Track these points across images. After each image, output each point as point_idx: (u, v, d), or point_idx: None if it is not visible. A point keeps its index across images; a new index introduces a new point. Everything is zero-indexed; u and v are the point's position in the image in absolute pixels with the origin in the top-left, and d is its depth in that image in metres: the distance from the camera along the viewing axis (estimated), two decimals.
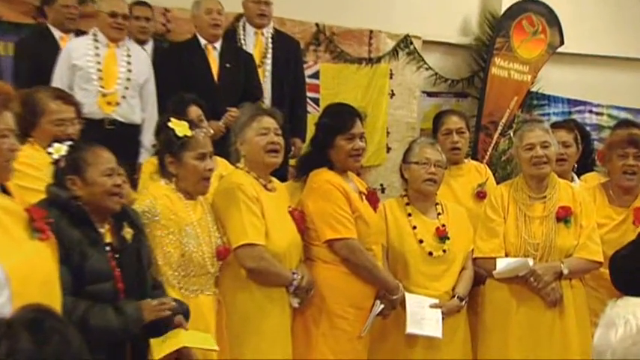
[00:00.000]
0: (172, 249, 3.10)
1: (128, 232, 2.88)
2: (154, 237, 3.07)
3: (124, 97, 4.47)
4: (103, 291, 2.72)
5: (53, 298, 2.30)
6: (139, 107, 4.55)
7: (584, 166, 4.53)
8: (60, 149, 2.87)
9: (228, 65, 4.73)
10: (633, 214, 3.96)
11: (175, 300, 2.92)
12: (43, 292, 2.24)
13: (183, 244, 3.13)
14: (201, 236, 3.19)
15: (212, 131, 3.91)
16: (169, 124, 3.22)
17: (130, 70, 4.50)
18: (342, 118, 3.60)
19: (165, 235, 3.11)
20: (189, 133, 3.20)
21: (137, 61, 4.55)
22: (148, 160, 4.03)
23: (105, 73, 4.44)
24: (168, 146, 3.20)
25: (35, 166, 3.13)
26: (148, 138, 4.49)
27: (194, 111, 4.00)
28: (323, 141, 3.60)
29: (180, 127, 3.21)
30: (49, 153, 2.89)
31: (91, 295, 2.69)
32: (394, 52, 6.35)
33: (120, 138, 4.16)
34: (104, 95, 4.42)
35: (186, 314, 2.94)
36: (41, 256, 2.31)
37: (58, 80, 4.37)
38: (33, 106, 3.39)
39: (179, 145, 3.18)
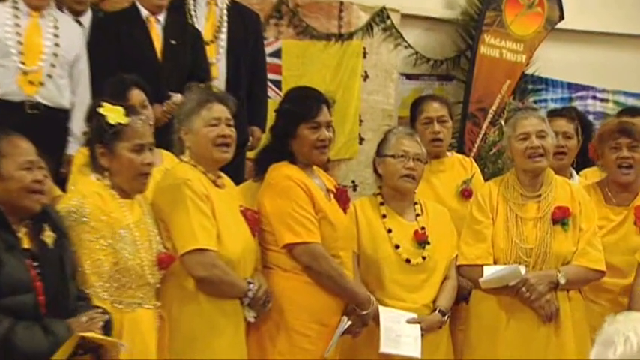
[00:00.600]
0: (103, 256, 3.08)
1: (49, 236, 2.87)
2: (81, 242, 3.06)
3: (49, 75, 4.38)
4: (22, 304, 2.72)
5: None
6: (68, 89, 4.47)
7: (584, 161, 4.57)
8: None
9: (173, 42, 4.70)
10: (634, 214, 4.01)
11: (96, 307, 2.93)
12: None
13: (117, 250, 3.10)
14: (139, 241, 3.17)
15: (152, 119, 3.88)
16: (100, 110, 3.20)
17: (57, 45, 4.41)
18: (305, 104, 3.62)
19: (95, 240, 3.08)
20: (123, 120, 3.19)
21: (67, 34, 4.47)
22: (79, 151, 3.99)
23: (26, 46, 4.35)
24: (100, 135, 3.19)
25: None
26: (78, 125, 4.40)
27: (136, 95, 3.98)
28: (284, 130, 3.62)
29: (113, 113, 3.19)
30: None
31: (9, 309, 2.69)
32: (368, 28, 6.35)
33: (44, 125, 4.10)
34: (25, 73, 4.32)
35: (107, 324, 2.92)
36: None
37: None
38: None
39: (112, 135, 3.17)
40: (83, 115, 4.27)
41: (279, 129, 3.66)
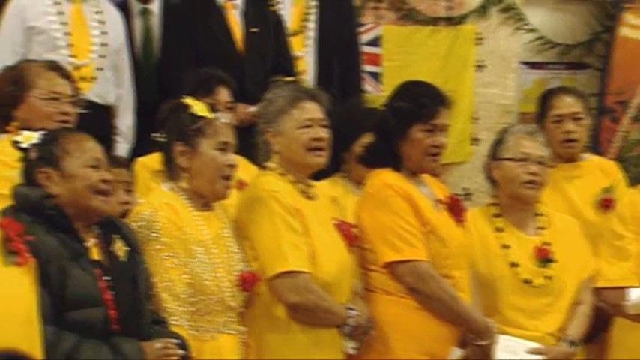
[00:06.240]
0: (176, 276, 3.20)
1: (121, 249, 3.02)
2: (153, 260, 3.19)
3: (100, 69, 4.57)
4: (90, 319, 2.86)
5: (32, 342, 2.50)
6: (113, 83, 4.67)
7: None
8: (30, 137, 3.06)
9: (254, 30, 4.85)
10: None
11: (175, 335, 3.05)
12: (22, 336, 2.44)
13: (192, 269, 3.23)
14: (216, 259, 3.30)
15: (235, 122, 4.02)
16: (184, 102, 3.36)
17: (104, 33, 4.60)
18: (422, 103, 3.66)
19: (168, 258, 3.20)
20: (209, 114, 3.35)
21: (111, 21, 4.67)
22: (138, 162, 4.16)
23: (74, 37, 4.52)
24: (181, 131, 3.33)
25: (10, 164, 3.30)
26: (126, 122, 4.66)
27: (223, 94, 4.17)
28: (394, 130, 3.67)
29: (198, 106, 3.36)
30: (16, 142, 3.11)
31: (76, 324, 2.82)
32: (483, 9, 6.40)
33: (92, 125, 4.09)
34: (77, 68, 4.46)
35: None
36: (20, 287, 2.51)
37: (7, 47, 4.45)
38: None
39: (195, 130, 3.31)
40: (130, 109, 4.54)
41: (387, 128, 3.70)
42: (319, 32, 5.13)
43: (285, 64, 4.92)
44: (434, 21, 6.30)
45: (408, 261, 3.55)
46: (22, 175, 3.04)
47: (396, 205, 3.58)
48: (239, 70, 4.64)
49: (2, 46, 4.46)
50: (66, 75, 3.83)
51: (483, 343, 3.66)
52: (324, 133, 3.55)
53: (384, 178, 3.66)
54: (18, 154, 3.11)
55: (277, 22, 4.99)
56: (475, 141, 6.36)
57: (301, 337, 3.40)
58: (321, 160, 3.56)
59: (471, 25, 6.37)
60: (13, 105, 3.68)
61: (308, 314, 3.40)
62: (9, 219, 2.58)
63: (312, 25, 5.15)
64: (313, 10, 5.16)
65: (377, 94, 5.87)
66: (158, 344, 2.94)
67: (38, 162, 2.99)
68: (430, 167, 3.74)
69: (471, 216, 3.94)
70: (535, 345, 3.77)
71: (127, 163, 4.01)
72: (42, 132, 3.11)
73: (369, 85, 5.79)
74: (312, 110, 3.55)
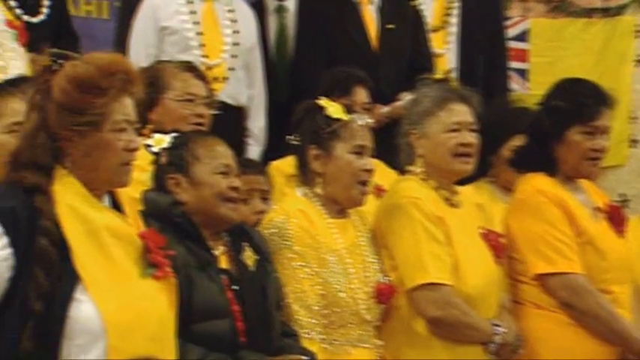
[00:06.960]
0: (308, 286, 3.19)
1: (250, 257, 3.02)
2: (284, 269, 3.18)
3: (232, 69, 4.60)
4: (217, 331, 2.87)
5: (162, 354, 2.44)
6: (245, 83, 4.69)
7: None
8: (161, 141, 3.08)
9: (390, 26, 4.81)
10: None
11: (305, 352, 3.02)
12: (149, 349, 2.40)
13: (325, 279, 3.20)
14: (351, 269, 3.27)
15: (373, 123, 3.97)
16: (319, 103, 3.34)
17: (236, 32, 4.62)
18: (582, 103, 3.59)
19: (300, 268, 3.19)
20: (345, 116, 3.31)
21: (243, 19, 4.70)
22: (272, 166, 4.14)
23: (206, 37, 4.57)
24: (315, 134, 3.31)
25: (144, 167, 3.26)
26: (257, 124, 4.67)
27: (361, 94, 4.14)
28: (550, 131, 3.60)
29: (333, 108, 3.32)
30: (148, 145, 3.10)
31: (202, 337, 2.83)
32: None
33: (223, 126, 4.09)
34: (209, 68, 4.50)
35: None
36: (153, 301, 2.47)
37: (141, 48, 4.50)
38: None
39: (329, 133, 3.29)
40: (262, 111, 4.60)
41: (542, 129, 3.63)
42: (462, 27, 5.10)
43: (424, 61, 4.87)
44: (588, 12, 6.21)
45: (562, 274, 3.49)
46: (152, 180, 3.07)
47: (549, 213, 3.52)
48: (373, 68, 4.60)
49: (136, 47, 4.54)
50: (200, 76, 3.90)
51: None
52: (472, 138, 3.49)
53: (536, 183, 3.60)
54: (151, 157, 3.14)
55: (416, 17, 4.95)
56: (634, 142, 6.26)
57: (442, 354, 3.36)
58: (468, 166, 3.50)
59: (631, 17, 6.25)
60: (148, 107, 3.69)
61: (450, 330, 3.36)
62: (151, 230, 2.57)
63: (454, 20, 5.11)
64: (456, 4, 5.12)
65: (524, 92, 5.84)
66: None
67: (168, 167, 3.03)
68: (588, 172, 3.67)
69: (632, 225, 3.84)
70: None
71: (263, 169, 4.00)
72: (173, 135, 3.13)
73: (515, 83, 5.75)
74: (461, 113, 3.50)
